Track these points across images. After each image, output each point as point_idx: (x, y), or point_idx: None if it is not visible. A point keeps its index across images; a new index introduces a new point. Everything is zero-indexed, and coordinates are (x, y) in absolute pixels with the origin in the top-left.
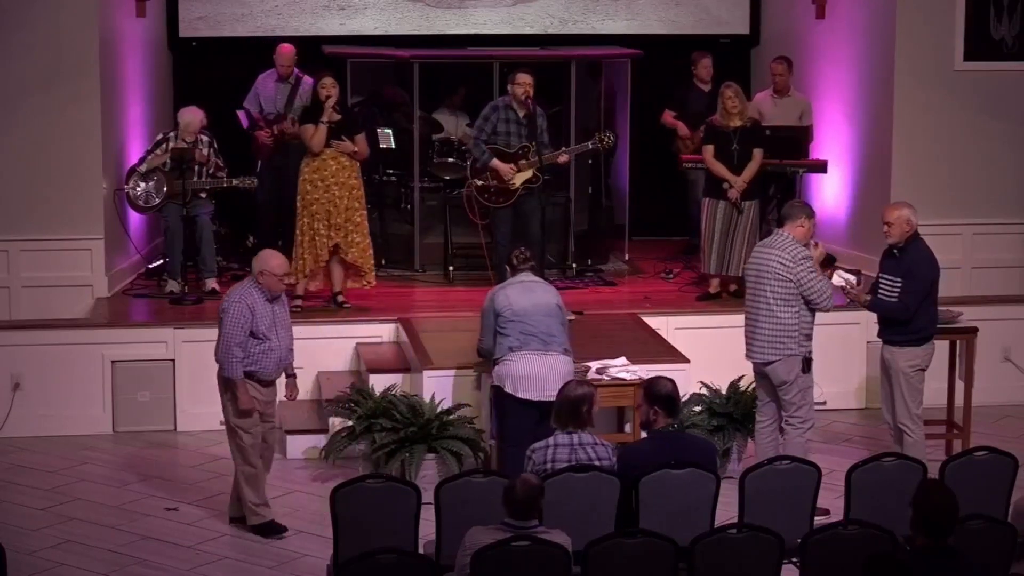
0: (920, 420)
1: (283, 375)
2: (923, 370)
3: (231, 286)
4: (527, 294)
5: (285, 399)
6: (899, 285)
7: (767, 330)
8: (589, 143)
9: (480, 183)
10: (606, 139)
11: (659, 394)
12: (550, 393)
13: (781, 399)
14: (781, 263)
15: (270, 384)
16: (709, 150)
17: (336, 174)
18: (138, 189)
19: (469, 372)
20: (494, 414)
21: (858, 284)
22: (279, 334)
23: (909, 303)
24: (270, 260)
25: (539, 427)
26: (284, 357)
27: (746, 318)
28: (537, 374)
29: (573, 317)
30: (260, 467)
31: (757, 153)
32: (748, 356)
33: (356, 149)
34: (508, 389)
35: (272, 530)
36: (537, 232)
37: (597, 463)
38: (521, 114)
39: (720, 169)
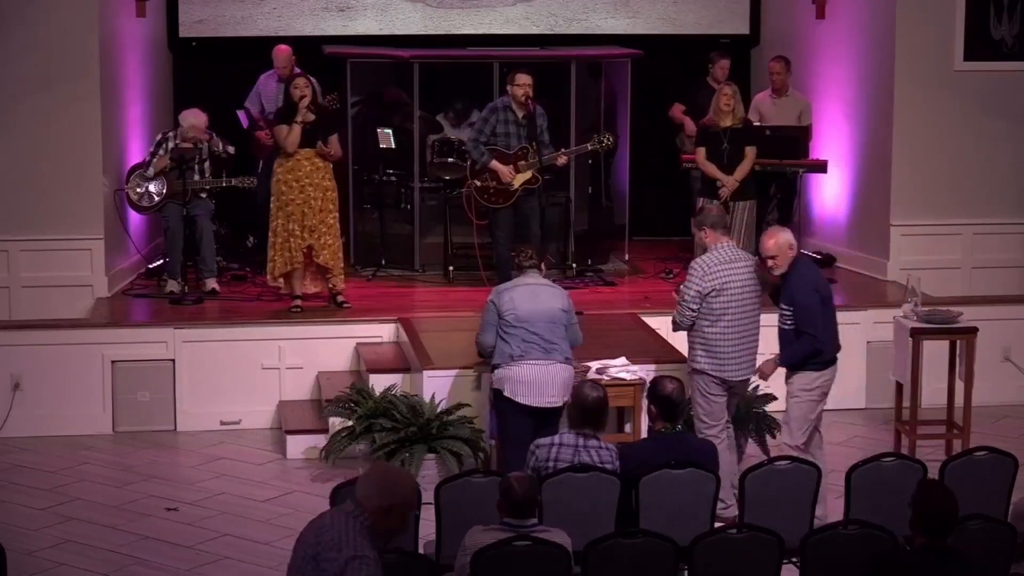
0: (799, 450)
1: None
2: (819, 398)
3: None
4: (532, 299)
5: None
6: (789, 312)
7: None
8: (588, 145)
9: (479, 184)
10: (605, 140)
11: (658, 394)
12: (549, 400)
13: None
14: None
15: None
16: (701, 152)
17: (310, 175)
18: (138, 189)
19: (469, 372)
20: (493, 415)
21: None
22: None
23: (808, 331)
24: None
25: (539, 431)
26: None
27: (738, 335)
28: (536, 380)
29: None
30: None
31: (749, 152)
32: (744, 372)
33: (332, 152)
34: (507, 394)
35: None
36: (537, 233)
37: (600, 466)
38: (521, 115)
39: (712, 170)
